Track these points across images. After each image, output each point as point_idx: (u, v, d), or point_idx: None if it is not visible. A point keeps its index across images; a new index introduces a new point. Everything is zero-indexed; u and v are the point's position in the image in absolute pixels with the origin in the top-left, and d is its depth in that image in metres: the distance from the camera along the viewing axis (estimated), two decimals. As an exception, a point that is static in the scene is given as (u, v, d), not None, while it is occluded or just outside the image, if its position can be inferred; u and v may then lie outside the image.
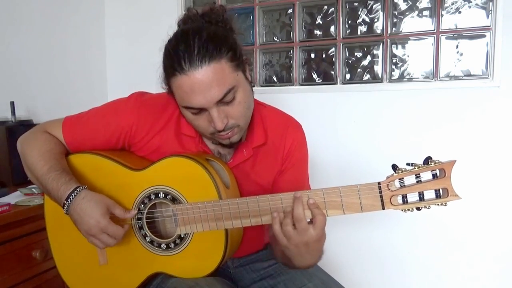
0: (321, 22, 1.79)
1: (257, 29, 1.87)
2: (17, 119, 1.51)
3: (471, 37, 1.58)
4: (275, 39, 1.86)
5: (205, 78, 0.82)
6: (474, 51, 1.58)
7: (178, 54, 0.83)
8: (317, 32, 1.79)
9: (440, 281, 1.71)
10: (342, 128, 1.78)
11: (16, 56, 1.67)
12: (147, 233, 0.96)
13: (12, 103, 1.50)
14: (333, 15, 1.76)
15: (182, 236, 0.94)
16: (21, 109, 1.60)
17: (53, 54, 1.84)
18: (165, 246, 0.95)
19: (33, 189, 1.34)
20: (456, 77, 1.62)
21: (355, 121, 1.76)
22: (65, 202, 0.88)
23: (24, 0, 1.69)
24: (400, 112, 1.69)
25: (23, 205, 1.21)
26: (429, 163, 0.78)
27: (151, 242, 0.96)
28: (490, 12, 1.54)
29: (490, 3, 1.53)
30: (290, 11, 1.82)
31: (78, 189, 0.89)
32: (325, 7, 1.77)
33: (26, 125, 1.53)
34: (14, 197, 1.29)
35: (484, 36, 1.57)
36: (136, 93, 1.03)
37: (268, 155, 1.04)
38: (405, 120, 1.69)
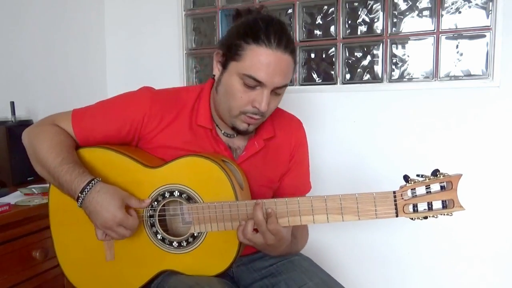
0: (321, 22, 1.79)
1: (257, 29, 1.87)
2: (17, 119, 1.51)
3: (471, 37, 1.58)
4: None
5: (281, 62, 0.91)
6: (474, 51, 1.58)
7: (269, 30, 0.90)
8: (317, 32, 1.79)
9: (441, 282, 1.71)
10: (342, 128, 1.78)
11: (16, 56, 1.67)
12: (158, 231, 0.96)
13: (12, 103, 1.50)
14: (333, 15, 1.76)
15: (195, 234, 0.94)
16: (21, 109, 1.60)
17: (53, 54, 1.83)
18: (177, 244, 0.95)
19: (33, 189, 1.34)
20: (456, 77, 1.62)
21: (355, 121, 1.76)
22: (80, 195, 0.88)
23: (25, 1, 1.69)
24: (400, 112, 1.69)
25: (23, 205, 1.20)
26: (438, 175, 0.83)
27: (163, 239, 0.96)
28: (490, 12, 1.54)
29: (490, 3, 1.53)
30: (290, 11, 1.82)
31: (93, 181, 0.89)
32: (325, 7, 1.77)
33: (26, 125, 1.52)
34: (14, 197, 1.29)
35: (484, 36, 1.57)
36: (145, 86, 1.05)
37: (278, 149, 1.09)
38: (405, 120, 1.69)
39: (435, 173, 0.83)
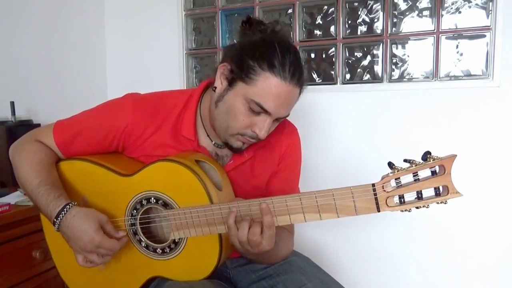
0: (321, 22, 1.78)
1: (257, 29, 1.86)
2: (17, 119, 1.51)
3: (471, 37, 1.58)
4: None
5: (290, 95, 0.90)
6: (474, 51, 1.58)
7: (285, 60, 0.87)
8: (317, 32, 1.79)
9: (440, 281, 1.71)
10: (342, 128, 1.78)
11: (16, 56, 1.67)
12: (142, 238, 0.96)
13: (12, 103, 1.50)
14: (333, 15, 1.76)
15: (176, 240, 0.94)
16: (21, 109, 1.60)
17: (53, 54, 1.83)
18: (161, 251, 0.95)
19: (33, 189, 1.34)
20: (456, 77, 1.61)
21: (355, 121, 1.76)
22: (55, 220, 0.88)
23: (24, 1, 1.69)
24: (400, 112, 1.69)
25: (23, 205, 1.21)
26: (428, 159, 0.74)
27: (147, 247, 0.96)
28: (490, 12, 1.54)
29: (490, 3, 1.53)
30: (290, 11, 1.82)
31: (68, 206, 0.88)
32: (325, 7, 1.77)
33: (26, 125, 1.53)
34: (14, 197, 1.29)
35: (484, 36, 1.56)
36: (129, 94, 1.03)
37: (266, 156, 1.06)
38: (405, 120, 1.69)
39: (425, 156, 0.73)
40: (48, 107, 1.75)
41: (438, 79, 1.63)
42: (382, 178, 0.76)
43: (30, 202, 1.22)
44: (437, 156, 0.73)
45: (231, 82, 0.91)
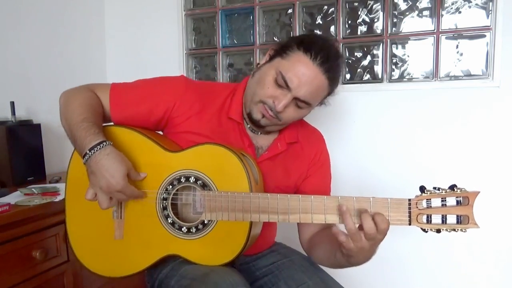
0: (321, 22, 1.79)
1: (257, 29, 1.87)
2: (17, 119, 1.51)
3: (471, 37, 1.58)
4: (275, 39, 1.86)
5: (315, 79, 0.96)
6: (474, 51, 1.58)
7: (322, 50, 0.95)
8: (317, 32, 1.79)
9: (441, 281, 1.71)
10: (341, 128, 1.78)
11: (16, 56, 1.67)
12: (170, 214, 0.97)
13: (12, 103, 1.50)
14: (333, 15, 1.76)
15: (205, 222, 0.95)
16: (21, 109, 1.60)
17: (53, 54, 1.84)
18: (186, 230, 0.96)
19: (33, 189, 1.34)
20: (456, 77, 1.62)
21: (355, 121, 1.76)
22: (88, 152, 0.89)
23: (25, 2, 1.69)
24: (400, 112, 1.69)
25: (23, 205, 1.21)
26: (455, 189, 0.82)
27: (172, 223, 0.97)
28: (490, 12, 1.54)
29: (490, 3, 1.53)
30: (290, 11, 1.82)
31: (104, 143, 0.89)
32: (325, 7, 1.77)
33: (26, 125, 1.53)
34: (14, 197, 1.29)
35: (484, 36, 1.57)
36: (182, 75, 1.10)
37: (299, 155, 1.12)
38: (405, 120, 1.69)
39: (453, 187, 0.83)
40: (48, 107, 1.75)
41: (438, 79, 1.63)
42: (416, 196, 0.84)
43: (30, 202, 1.22)
44: (463, 188, 0.82)
45: (271, 58, 1.02)
